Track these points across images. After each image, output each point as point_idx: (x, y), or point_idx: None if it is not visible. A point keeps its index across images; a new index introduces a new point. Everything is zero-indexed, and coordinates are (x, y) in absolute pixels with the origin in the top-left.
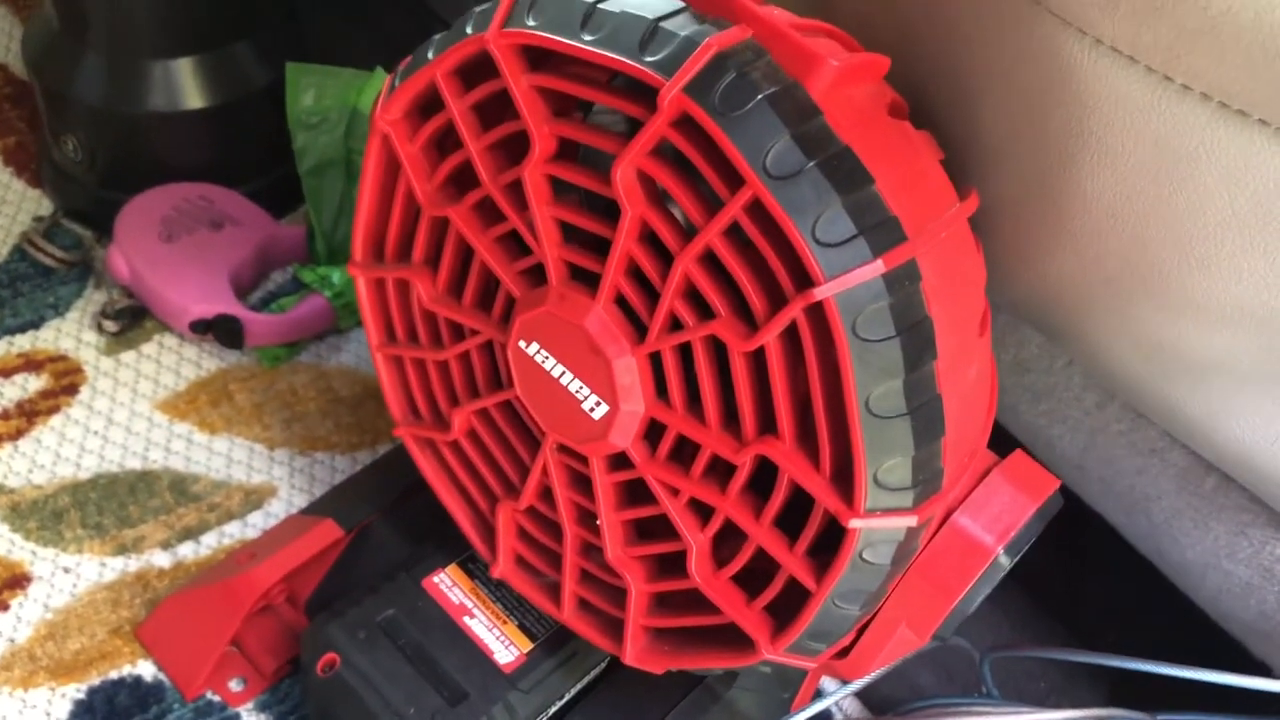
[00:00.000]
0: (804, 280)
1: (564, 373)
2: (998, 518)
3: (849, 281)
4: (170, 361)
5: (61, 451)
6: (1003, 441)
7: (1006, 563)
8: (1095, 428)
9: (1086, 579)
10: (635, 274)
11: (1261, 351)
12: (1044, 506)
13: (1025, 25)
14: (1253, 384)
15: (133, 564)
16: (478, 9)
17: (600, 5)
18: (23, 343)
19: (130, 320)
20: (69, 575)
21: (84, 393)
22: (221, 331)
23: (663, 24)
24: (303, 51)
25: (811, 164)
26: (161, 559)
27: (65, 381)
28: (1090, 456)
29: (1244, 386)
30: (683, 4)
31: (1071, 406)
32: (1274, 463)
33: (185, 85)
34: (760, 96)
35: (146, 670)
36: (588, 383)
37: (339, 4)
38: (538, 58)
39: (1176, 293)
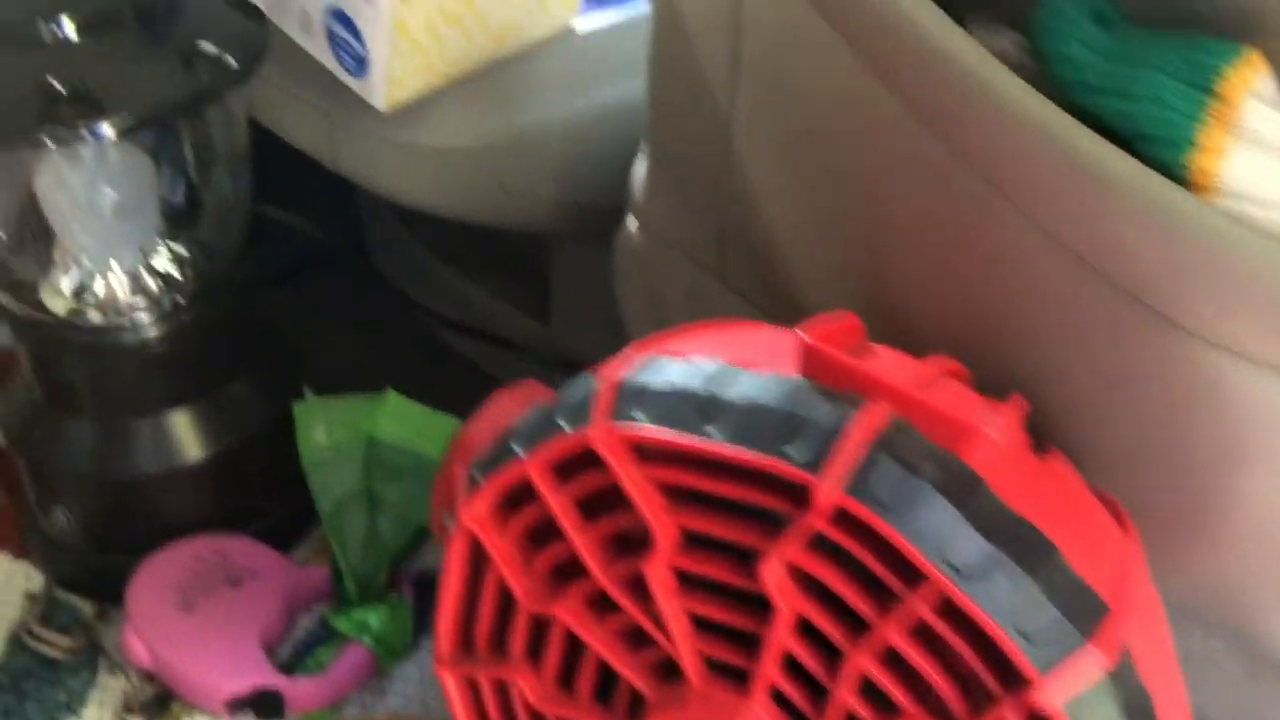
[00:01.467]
0: (1009, 675)
1: None
2: None
3: (1064, 674)
4: None
5: None
6: None
7: None
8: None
9: None
10: (789, 663)
11: None
12: None
13: (1155, 341)
14: None
15: None
16: (562, 402)
17: (716, 394)
18: None
19: (156, 710)
20: None
21: None
22: (261, 706)
23: (796, 411)
24: (296, 378)
25: (1000, 552)
26: None
27: None
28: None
29: None
30: (799, 377)
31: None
32: None
33: (180, 439)
34: (926, 484)
35: None
36: None
37: (331, 320)
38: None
39: None
